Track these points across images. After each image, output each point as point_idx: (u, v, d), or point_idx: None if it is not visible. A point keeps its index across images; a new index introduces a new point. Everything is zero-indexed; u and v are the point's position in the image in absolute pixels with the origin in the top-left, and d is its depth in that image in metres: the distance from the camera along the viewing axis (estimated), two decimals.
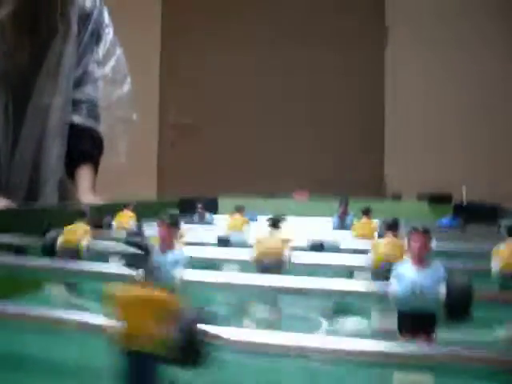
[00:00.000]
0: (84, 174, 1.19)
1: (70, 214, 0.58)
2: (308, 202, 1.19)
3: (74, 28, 1.16)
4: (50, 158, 1.15)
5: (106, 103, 1.25)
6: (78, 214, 0.56)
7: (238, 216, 0.76)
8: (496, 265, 0.44)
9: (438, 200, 1.14)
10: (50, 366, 0.38)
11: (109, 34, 1.28)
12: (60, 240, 0.54)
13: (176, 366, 0.25)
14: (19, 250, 0.57)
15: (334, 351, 0.27)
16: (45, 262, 0.50)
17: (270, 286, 0.40)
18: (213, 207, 1.13)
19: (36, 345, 0.39)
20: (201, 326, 0.25)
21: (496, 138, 2.67)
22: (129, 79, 1.30)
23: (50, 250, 0.53)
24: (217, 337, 0.26)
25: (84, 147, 1.21)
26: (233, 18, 3.12)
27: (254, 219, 0.87)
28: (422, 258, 0.33)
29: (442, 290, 0.32)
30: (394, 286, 0.33)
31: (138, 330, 0.25)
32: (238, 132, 3.11)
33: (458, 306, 0.31)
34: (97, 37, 1.25)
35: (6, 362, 0.38)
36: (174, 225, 0.40)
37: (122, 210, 0.78)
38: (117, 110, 1.27)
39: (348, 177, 2.82)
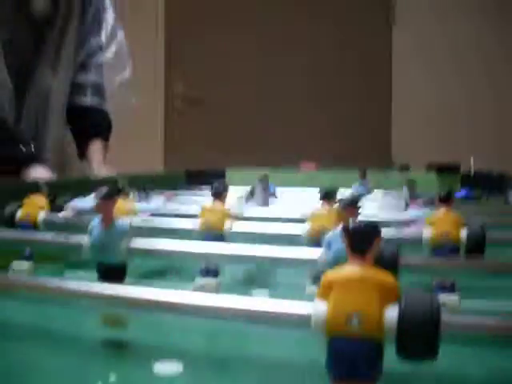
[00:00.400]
0: (96, 148, 1.21)
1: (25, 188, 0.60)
2: (316, 173, 1.19)
3: (76, 10, 1.16)
4: (49, 140, 1.16)
5: (108, 88, 1.26)
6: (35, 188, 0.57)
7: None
8: (427, 233, 0.44)
9: (446, 170, 1.13)
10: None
11: (110, 17, 1.27)
12: (19, 213, 0.55)
13: (402, 355, 0.22)
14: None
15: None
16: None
17: (209, 253, 0.42)
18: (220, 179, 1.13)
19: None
20: (432, 311, 0.22)
21: (503, 107, 2.66)
22: (130, 63, 1.31)
23: (9, 222, 0.55)
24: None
25: (93, 124, 1.22)
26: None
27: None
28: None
29: None
30: (323, 254, 0.35)
31: (355, 312, 0.22)
32: (245, 103, 3.09)
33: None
34: (98, 20, 1.24)
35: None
36: (110, 197, 0.39)
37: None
38: (118, 95, 1.28)
39: (355, 148, 2.81)
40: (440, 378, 0.30)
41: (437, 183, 1.08)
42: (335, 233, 0.35)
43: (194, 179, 1.07)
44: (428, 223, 0.45)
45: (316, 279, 0.40)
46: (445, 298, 0.39)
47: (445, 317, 0.22)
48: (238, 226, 0.50)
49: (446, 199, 0.46)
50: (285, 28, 3.01)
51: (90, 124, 1.22)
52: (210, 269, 0.45)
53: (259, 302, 0.27)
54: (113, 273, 0.39)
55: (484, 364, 0.32)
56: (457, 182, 1.09)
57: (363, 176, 0.89)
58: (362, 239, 0.23)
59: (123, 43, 1.30)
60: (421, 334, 0.21)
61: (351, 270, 0.22)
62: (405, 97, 2.82)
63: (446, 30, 2.75)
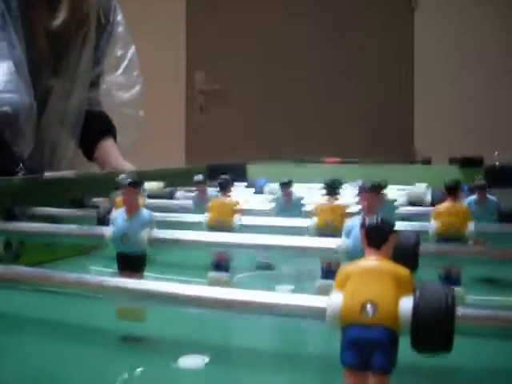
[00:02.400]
0: (109, 145, 1.23)
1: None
2: (340, 167, 1.18)
3: (93, 28, 1.18)
4: (65, 156, 1.19)
5: (116, 103, 1.29)
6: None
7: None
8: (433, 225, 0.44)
9: (469, 164, 1.12)
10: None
11: (121, 32, 1.28)
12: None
13: (417, 348, 0.22)
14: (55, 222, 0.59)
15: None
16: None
17: (221, 243, 0.42)
18: (241, 174, 1.13)
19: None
20: (447, 303, 0.22)
21: None
22: (140, 79, 1.32)
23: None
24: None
25: (101, 125, 1.25)
26: None
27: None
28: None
29: None
30: (343, 242, 0.35)
31: (370, 301, 0.22)
32: (267, 98, 3.09)
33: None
34: (111, 35, 1.26)
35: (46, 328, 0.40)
36: (134, 185, 0.38)
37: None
38: (126, 109, 1.29)
39: (377, 142, 2.79)
40: (453, 371, 0.30)
41: (460, 177, 1.07)
42: (354, 221, 0.35)
43: (215, 174, 1.07)
44: (434, 215, 0.45)
45: (329, 273, 0.40)
46: None
47: (460, 310, 0.22)
48: (247, 220, 0.50)
49: (453, 190, 0.45)
50: (307, 19, 3.00)
51: (96, 126, 1.24)
52: (222, 263, 0.45)
53: (275, 296, 0.27)
54: (133, 263, 0.39)
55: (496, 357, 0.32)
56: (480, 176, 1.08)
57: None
58: (377, 235, 0.23)
59: (134, 58, 1.31)
60: (435, 326, 0.21)
61: (366, 262, 0.23)
62: (427, 88, 2.80)
63: (469, 18, 2.70)
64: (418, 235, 0.32)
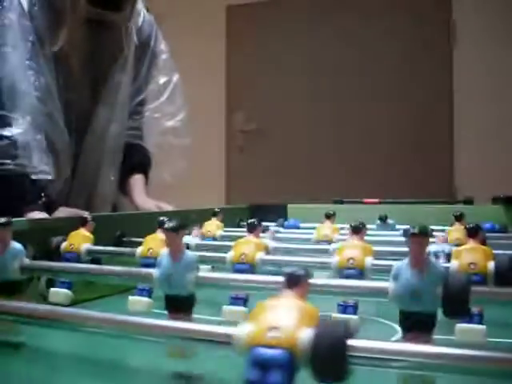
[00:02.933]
0: (137, 181, 1.25)
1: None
2: (380, 207, 1.18)
3: (131, 58, 1.20)
4: (105, 184, 1.21)
5: (161, 131, 1.30)
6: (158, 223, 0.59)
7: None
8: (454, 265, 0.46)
9: None
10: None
11: (165, 59, 1.30)
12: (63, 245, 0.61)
13: (314, 375, 0.25)
14: (95, 260, 0.61)
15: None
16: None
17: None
18: (282, 214, 1.14)
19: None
20: (343, 338, 0.25)
21: None
22: (185, 107, 1.33)
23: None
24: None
25: (136, 160, 1.27)
26: (296, 27, 3.13)
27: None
28: (418, 261, 0.33)
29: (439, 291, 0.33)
30: (392, 286, 0.35)
31: (275, 327, 0.25)
32: (305, 137, 3.11)
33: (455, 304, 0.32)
34: (153, 64, 1.28)
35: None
36: (177, 230, 0.39)
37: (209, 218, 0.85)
38: (173, 137, 1.31)
39: (418, 182, 2.77)
40: None
41: (505, 216, 1.05)
42: (404, 264, 0.35)
43: (258, 213, 1.08)
44: (454, 256, 0.46)
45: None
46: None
47: (355, 342, 0.25)
48: (269, 257, 0.53)
49: (474, 233, 0.47)
50: (346, 57, 3.03)
51: (130, 160, 1.25)
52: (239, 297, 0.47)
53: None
54: (180, 304, 0.39)
55: None
56: None
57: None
58: (291, 280, 0.28)
59: (178, 85, 1.32)
60: (328, 353, 0.24)
61: (279, 299, 0.28)
62: (467, 126, 2.77)
63: (509, 54, 2.69)
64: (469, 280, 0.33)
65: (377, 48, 2.95)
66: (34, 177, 0.98)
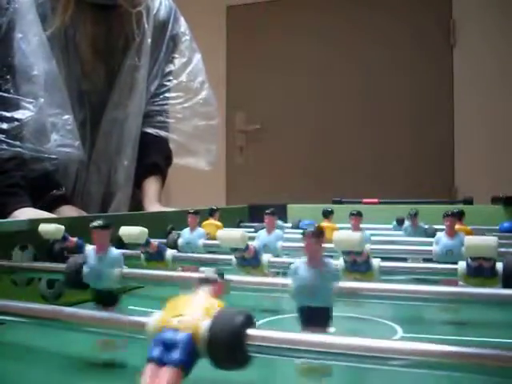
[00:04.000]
0: (151, 184, 1.22)
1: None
2: (379, 207, 1.18)
3: (148, 41, 1.18)
4: (121, 171, 1.19)
5: (184, 110, 1.26)
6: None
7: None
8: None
9: None
10: None
11: (185, 41, 1.28)
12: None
13: (211, 362, 0.27)
14: None
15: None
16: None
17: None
18: (282, 214, 1.14)
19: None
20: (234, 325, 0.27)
21: None
22: (207, 85, 1.29)
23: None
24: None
25: (153, 159, 1.24)
26: (296, 28, 3.13)
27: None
28: (312, 258, 0.35)
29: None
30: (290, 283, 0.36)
31: (180, 315, 0.28)
32: (306, 137, 3.11)
33: None
34: (173, 47, 1.26)
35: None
36: (104, 228, 0.42)
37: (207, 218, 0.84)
38: (198, 112, 1.27)
39: (417, 181, 2.77)
40: None
41: (504, 216, 1.05)
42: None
43: (256, 213, 1.08)
44: None
45: None
46: None
47: (254, 332, 0.27)
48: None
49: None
50: (346, 59, 3.03)
51: (150, 159, 1.23)
52: None
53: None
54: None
55: None
56: None
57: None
58: (204, 280, 0.31)
59: (199, 65, 1.30)
60: (223, 344, 0.26)
61: (192, 295, 0.30)
62: (467, 126, 2.77)
63: (510, 55, 2.69)
64: None
65: (377, 48, 2.95)
66: (48, 165, 0.97)
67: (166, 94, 1.25)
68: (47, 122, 0.98)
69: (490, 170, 2.62)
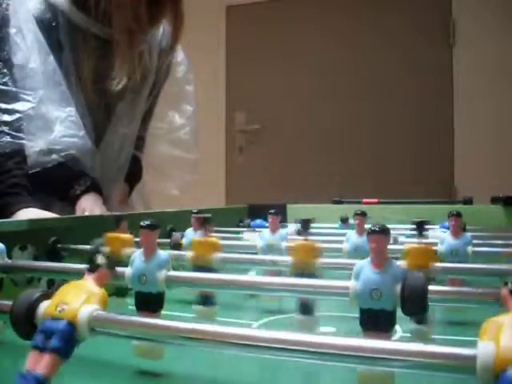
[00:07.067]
0: (120, 189, 1.24)
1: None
2: (379, 206, 1.18)
3: (151, 78, 1.20)
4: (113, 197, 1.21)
5: (167, 141, 1.29)
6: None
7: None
8: None
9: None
10: None
11: (181, 71, 1.29)
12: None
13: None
14: None
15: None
16: None
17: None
18: (282, 214, 1.14)
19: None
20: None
21: None
22: (194, 118, 1.31)
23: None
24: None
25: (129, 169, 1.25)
26: (296, 27, 3.14)
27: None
28: (377, 259, 0.33)
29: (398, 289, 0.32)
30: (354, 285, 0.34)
31: (62, 303, 0.30)
32: (306, 138, 3.11)
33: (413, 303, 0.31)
34: (167, 74, 1.27)
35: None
36: (153, 229, 0.40)
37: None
38: (180, 150, 1.29)
39: (417, 181, 2.77)
40: None
41: (504, 216, 1.05)
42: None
43: (256, 213, 1.09)
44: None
45: None
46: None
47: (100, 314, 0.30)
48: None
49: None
50: (346, 60, 3.03)
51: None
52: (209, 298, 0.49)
53: None
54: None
55: None
56: None
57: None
58: (91, 266, 0.34)
59: (189, 98, 1.31)
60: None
61: (78, 281, 0.33)
62: (467, 126, 2.77)
63: (509, 54, 2.68)
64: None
65: (376, 48, 2.95)
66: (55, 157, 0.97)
67: (150, 120, 1.28)
68: (49, 113, 0.99)
69: (489, 170, 2.62)
